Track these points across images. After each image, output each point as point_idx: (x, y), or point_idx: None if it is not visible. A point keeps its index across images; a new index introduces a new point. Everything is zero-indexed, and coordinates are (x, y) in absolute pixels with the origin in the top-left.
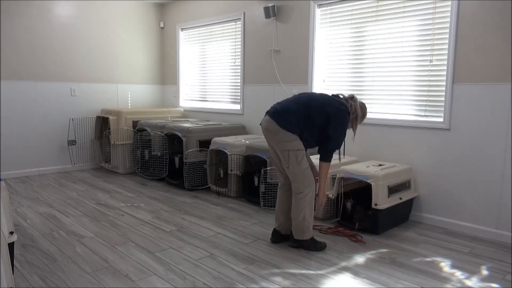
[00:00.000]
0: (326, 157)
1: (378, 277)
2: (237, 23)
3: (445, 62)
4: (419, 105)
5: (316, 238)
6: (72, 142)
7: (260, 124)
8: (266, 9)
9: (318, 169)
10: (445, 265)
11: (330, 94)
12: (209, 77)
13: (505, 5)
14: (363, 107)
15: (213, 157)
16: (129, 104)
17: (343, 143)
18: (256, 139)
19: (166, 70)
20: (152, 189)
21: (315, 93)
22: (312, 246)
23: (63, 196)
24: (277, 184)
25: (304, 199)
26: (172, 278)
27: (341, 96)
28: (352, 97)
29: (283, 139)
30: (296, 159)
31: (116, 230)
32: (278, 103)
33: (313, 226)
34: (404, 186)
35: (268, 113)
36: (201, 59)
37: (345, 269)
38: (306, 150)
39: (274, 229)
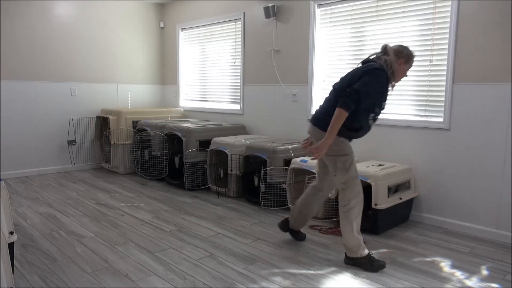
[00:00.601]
0: (341, 102)
1: (378, 277)
2: (237, 23)
3: (445, 62)
4: (419, 105)
5: (374, 256)
6: (72, 142)
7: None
8: (266, 9)
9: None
10: (445, 265)
11: (361, 62)
12: (209, 77)
13: (505, 5)
14: (401, 51)
15: (213, 157)
16: (129, 104)
17: (379, 107)
18: (256, 139)
19: (166, 70)
20: (152, 189)
21: (346, 74)
22: (368, 265)
23: (63, 196)
24: (277, 184)
25: (351, 212)
26: (172, 278)
27: (373, 57)
28: (384, 49)
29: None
30: (343, 165)
31: (116, 230)
32: (319, 107)
33: (313, 226)
34: (404, 186)
35: (310, 120)
36: (201, 59)
37: (345, 269)
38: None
39: (287, 218)
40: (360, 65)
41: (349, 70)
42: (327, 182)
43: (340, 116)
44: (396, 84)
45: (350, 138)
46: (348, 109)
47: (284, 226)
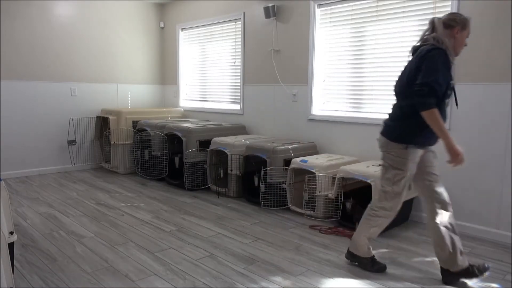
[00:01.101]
0: (418, 104)
1: (378, 277)
2: (237, 23)
3: None
4: None
5: (376, 259)
6: (72, 142)
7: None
8: (266, 9)
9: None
10: None
11: (411, 50)
12: (209, 77)
13: (505, 5)
14: (452, 19)
15: (213, 157)
16: (129, 104)
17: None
18: (256, 139)
19: (166, 70)
20: (152, 189)
21: (401, 72)
22: (369, 266)
23: (63, 196)
24: (277, 184)
25: (375, 218)
26: (172, 278)
27: (419, 43)
28: (432, 24)
29: (389, 151)
30: (392, 178)
31: (116, 230)
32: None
33: (313, 226)
34: None
35: None
36: (201, 59)
37: (345, 269)
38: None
39: (441, 268)
40: (411, 56)
41: (349, 70)
42: (431, 194)
43: (430, 117)
44: (456, 57)
45: (424, 142)
46: (430, 106)
47: (442, 273)
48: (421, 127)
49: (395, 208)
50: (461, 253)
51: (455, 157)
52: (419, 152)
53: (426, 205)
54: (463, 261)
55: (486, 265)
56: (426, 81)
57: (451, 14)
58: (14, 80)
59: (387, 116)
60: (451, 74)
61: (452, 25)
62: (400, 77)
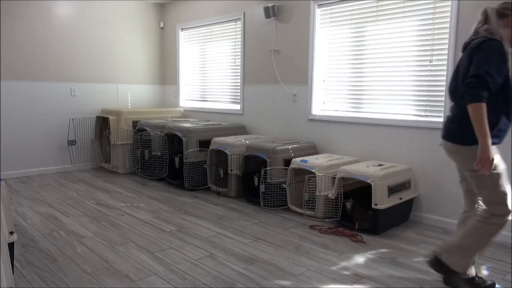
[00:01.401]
0: (468, 97)
1: (378, 278)
2: (237, 23)
3: (445, 62)
4: (419, 105)
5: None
6: (72, 142)
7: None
8: (266, 9)
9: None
10: None
11: (462, 47)
12: (209, 77)
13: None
14: (507, 8)
15: (213, 157)
16: (129, 104)
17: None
18: (256, 139)
19: (166, 70)
20: (152, 189)
21: (454, 71)
22: (460, 284)
23: (63, 196)
24: (277, 184)
25: (486, 227)
26: (172, 278)
27: (469, 39)
28: (485, 14)
29: (467, 158)
30: (489, 183)
31: (116, 230)
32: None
33: (313, 226)
34: (404, 186)
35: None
36: (201, 59)
37: (345, 269)
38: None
39: (436, 256)
40: (462, 53)
41: (349, 70)
42: (474, 199)
43: (476, 112)
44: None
45: (491, 140)
46: (480, 98)
47: (435, 264)
48: (500, 125)
49: (509, 208)
50: (474, 262)
51: (484, 162)
52: (493, 147)
53: (468, 208)
54: (471, 270)
55: (493, 282)
56: (477, 73)
57: (505, 3)
58: (14, 80)
59: (446, 119)
60: (507, 67)
61: (507, 14)
62: (454, 76)
